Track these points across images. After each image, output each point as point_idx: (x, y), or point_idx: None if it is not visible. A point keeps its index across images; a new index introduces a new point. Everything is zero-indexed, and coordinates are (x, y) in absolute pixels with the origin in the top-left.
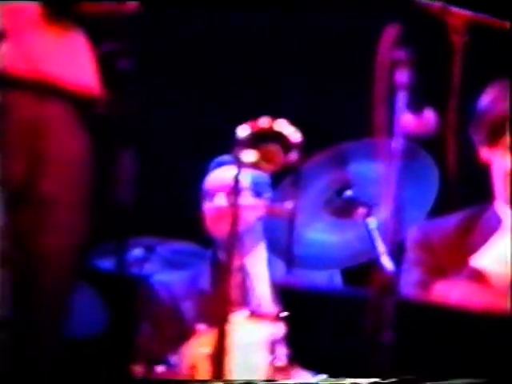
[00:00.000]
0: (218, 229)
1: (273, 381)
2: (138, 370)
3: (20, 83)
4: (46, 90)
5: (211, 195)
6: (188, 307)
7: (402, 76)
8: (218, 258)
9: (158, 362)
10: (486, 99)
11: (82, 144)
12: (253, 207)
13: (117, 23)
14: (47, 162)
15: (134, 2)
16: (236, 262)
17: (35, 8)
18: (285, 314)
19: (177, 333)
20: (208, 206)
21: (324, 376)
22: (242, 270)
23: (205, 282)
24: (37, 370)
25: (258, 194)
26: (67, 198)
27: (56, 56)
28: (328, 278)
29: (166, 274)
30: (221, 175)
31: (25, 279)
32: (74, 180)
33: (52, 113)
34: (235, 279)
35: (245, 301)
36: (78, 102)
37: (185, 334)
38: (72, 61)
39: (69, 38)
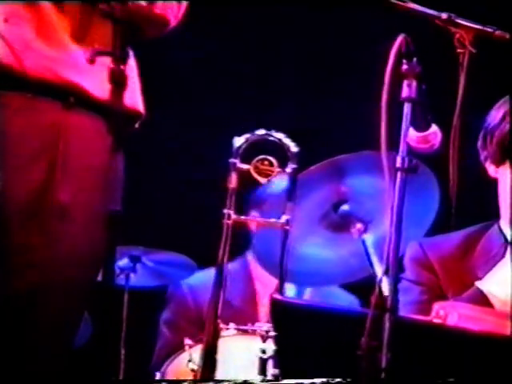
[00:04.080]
0: None
1: (272, 381)
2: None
3: (44, 88)
4: (73, 98)
5: None
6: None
7: (409, 89)
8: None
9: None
10: (496, 115)
11: (107, 156)
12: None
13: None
14: (67, 171)
15: None
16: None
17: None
18: (276, 331)
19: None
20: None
21: None
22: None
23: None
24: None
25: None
26: (85, 209)
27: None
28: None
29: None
30: None
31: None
32: (94, 190)
33: (77, 121)
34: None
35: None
36: (108, 115)
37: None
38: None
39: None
